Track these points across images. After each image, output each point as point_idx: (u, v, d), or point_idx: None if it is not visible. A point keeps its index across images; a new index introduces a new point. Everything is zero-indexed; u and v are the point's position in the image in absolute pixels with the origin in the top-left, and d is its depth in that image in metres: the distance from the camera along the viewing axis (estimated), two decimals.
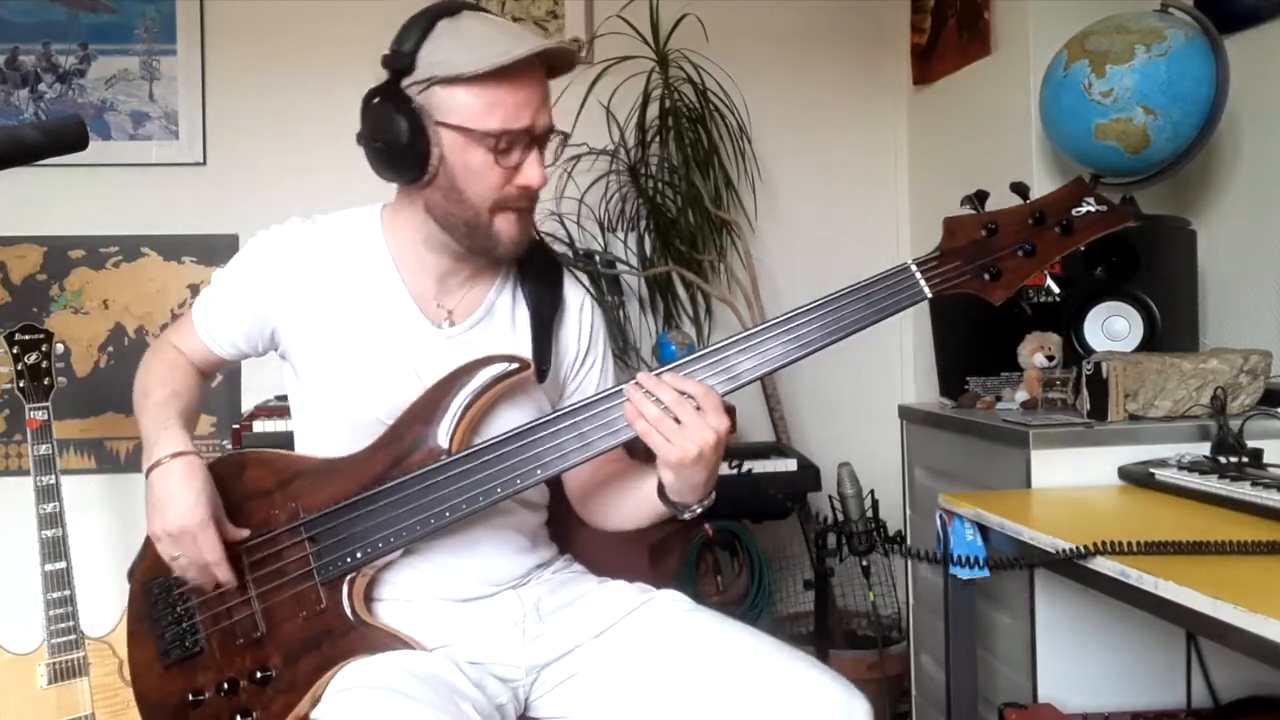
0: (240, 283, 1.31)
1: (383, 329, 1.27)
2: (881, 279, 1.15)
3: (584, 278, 1.43)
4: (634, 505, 1.30)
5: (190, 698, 1.24)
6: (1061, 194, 1.17)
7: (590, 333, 1.39)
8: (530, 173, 1.19)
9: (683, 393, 1.10)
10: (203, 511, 1.17)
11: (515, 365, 1.24)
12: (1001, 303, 1.16)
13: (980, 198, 1.18)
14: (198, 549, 1.17)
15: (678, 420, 1.10)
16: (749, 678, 1.15)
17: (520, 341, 1.31)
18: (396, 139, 1.16)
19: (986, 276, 1.15)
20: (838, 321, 1.15)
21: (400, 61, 1.16)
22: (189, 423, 1.28)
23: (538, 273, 1.35)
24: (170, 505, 1.17)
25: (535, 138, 1.19)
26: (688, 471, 1.12)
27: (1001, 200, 1.19)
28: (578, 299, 1.38)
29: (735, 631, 1.24)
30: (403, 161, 1.18)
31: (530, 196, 1.22)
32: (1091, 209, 1.15)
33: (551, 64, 1.21)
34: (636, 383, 1.13)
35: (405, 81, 1.16)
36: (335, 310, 1.27)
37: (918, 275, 1.14)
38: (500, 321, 1.32)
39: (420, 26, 1.16)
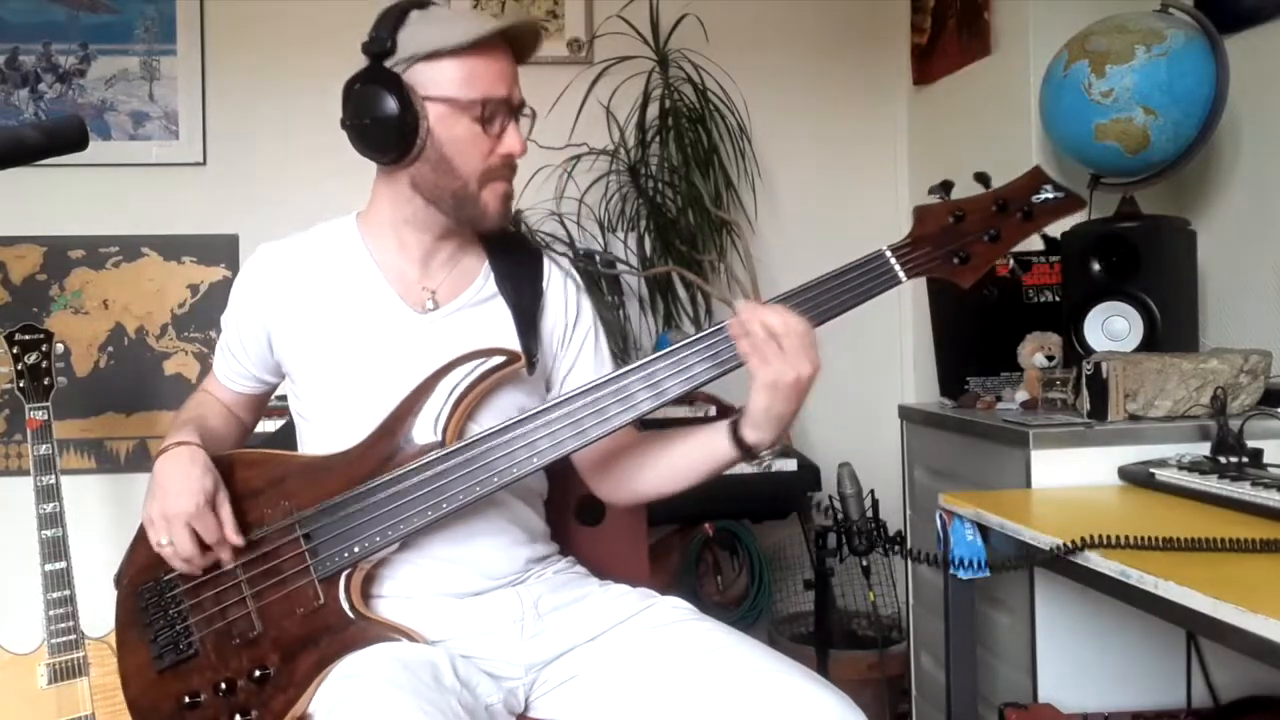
0: (235, 319, 1.37)
1: (367, 324, 1.29)
2: (859, 264, 1.20)
3: (565, 262, 1.45)
4: (683, 461, 1.30)
5: (186, 700, 1.24)
6: (1021, 182, 1.23)
7: (575, 307, 1.40)
8: (511, 141, 1.26)
9: (789, 324, 1.13)
10: (199, 495, 1.20)
11: (505, 359, 1.26)
12: (970, 285, 1.22)
13: (946, 187, 1.24)
14: (189, 539, 1.20)
15: (781, 347, 1.13)
16: (746, 688, 1.15)
17: (503, 325, 1.33)
18: (385, 116, 1.21)
19: (956, 261, 1.21)
20: (820, 305, 1.18)
21: (381, 45, 1.23)
22: (212, 437, 1.32)
23: (517, 256, 1.38)
24: (169, 489, 1.21)
25: (513, 108, 1.26)
26: (781, 396, 1.14)
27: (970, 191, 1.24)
28: (557, 276, 1.40)
29: (735, 641, 1.23)
30: (392, 138, 1.23)
31: (512, 165, 1.29)
32: (1049, 196, 1.22)
33: (519, 47, 1.28)
34: (748, 304, 1.17)
35: (388, 62, 1.22)
36: (320, 316, 1.30)
37: (892, 260, 1.19)
38: (483, 306, 1.34)
39: (394, 16, 1.24)
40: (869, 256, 1.20)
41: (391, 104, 1.21)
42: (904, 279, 1.19)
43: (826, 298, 1.18)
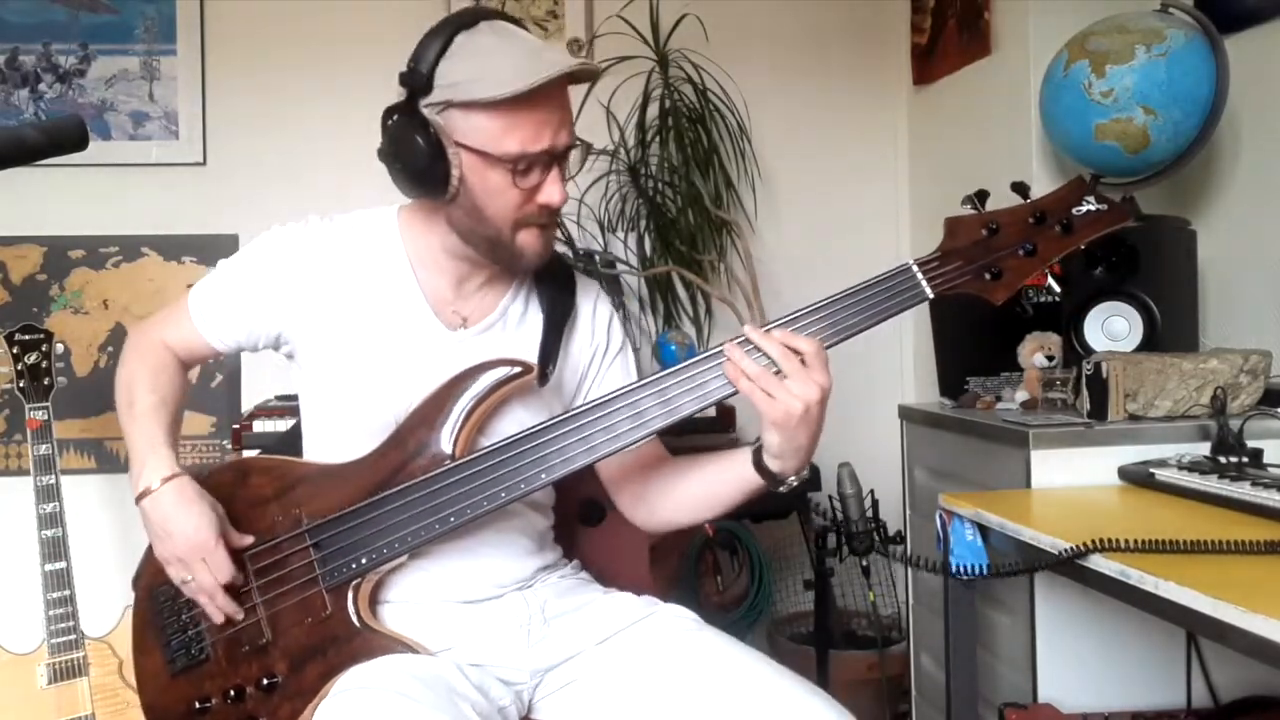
0: (253, 276, 1.29)
1: (397, 332, 1.27)
2: (883, 279, 1.14)
3: (598, 285, 1.41)
4: (712, 489, 1.28)
5: (197, 705, 1.24)
6: (1062, 193, 1.16)
7: (607, 329, 1.38)
8: (550, 192, 1.19)
9: (790, 348, 1.10)
10: (208, 533, 1.19)
11: (517, 369, 1.23)
12: (1003, 302, 1.15)
13: (980, 197, 1.18)
14: (208, 571, 1.20)
15: (781, 375, 1.09)
16: (745, 698, 1.15)
17: (531, 345, 1.30)
18: (416, 160, 1.16)
19: (987, 276, 1.14)
20: (840, 323, 1.13)
21: (416, 80, 1.14)
22: (175, 433, 1.28)
23: (552, 277, 1.35)
24: (175, 532, 1.19)
25: (555, 157, 1.18)
26: (791, 431, 1.11)
27: (1002, 199, 1.19)
28: (590, 300, 1.38)
29: (735, 651, 1.23)
30: (425, 181, 1.18)
31: (551, 214, 1.22)
32: (1091, 208, 1.15)
33: (575, 76, 1.18)
34: (744, 338, 1.12)
35: (422, 101, 1.15)
36: (350, 311, 1.27)
37: (919, 276, 1.14)
38: (513, 326, 1.32)
39: (438, 42, 1.14)
40: (894, 271, 1.14)
41: (422, 149, 1.15)
42: (930, 295, 1.14)
43: (847, 315, 1.13)
